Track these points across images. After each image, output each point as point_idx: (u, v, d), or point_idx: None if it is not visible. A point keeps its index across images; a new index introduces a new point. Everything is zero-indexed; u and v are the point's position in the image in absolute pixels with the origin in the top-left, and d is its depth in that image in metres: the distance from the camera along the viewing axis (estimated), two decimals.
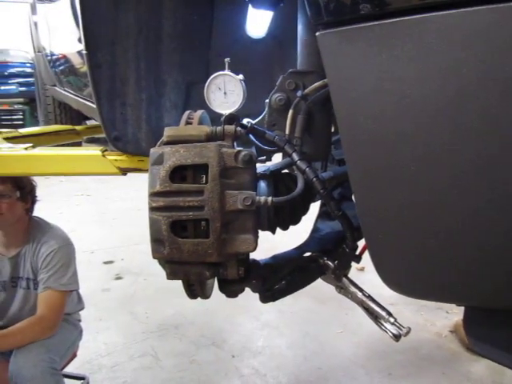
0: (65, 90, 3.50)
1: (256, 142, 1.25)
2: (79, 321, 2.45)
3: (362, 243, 1.28)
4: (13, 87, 10.28)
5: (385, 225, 0.86)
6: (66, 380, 2.14)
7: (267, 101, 1.23)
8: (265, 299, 1.37)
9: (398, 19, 0.72)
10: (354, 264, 1.40)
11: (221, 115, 1.16)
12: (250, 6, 1.40)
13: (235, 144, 1.11)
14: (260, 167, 1.24)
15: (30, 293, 2.25)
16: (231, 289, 1.27)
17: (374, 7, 0.73)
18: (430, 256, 0.83)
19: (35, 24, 4.49)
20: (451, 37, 0.69)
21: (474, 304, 0.98)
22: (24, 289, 2.25)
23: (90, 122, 4.73)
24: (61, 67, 3.34)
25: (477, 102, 0.70)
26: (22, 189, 2.20)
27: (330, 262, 1.38)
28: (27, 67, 10.16)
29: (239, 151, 1.04)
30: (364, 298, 1.34)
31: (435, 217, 0.79)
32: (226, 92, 1.18)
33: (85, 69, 1.84)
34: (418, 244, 0.84)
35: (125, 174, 1.74)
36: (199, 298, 1.27)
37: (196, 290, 1.21)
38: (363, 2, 0.75)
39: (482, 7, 0.66)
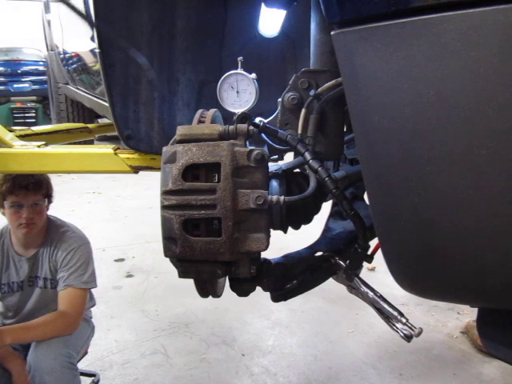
0: (77, 89, 3.52)
1: (268, 141, 1.26)
2: (91, 318, 2.47)
3: (373, 243, 1.28)
4: (26, 85, 10.38)
5: (399, 225, 0.85)
6: None
7: (280, 100, 1.23)
8: (276, 298, 1.37)
9: (414, 18, 0.72)
10: (364, 264, 1.40)
11: (233, 114, 1.16)
12: (263, 4, 1.40)
13: (247, 143, 1.11)
14: (272, 166, 1.24)
15: (46, 292, 2.27)
16: (242, 288, 1.27)
17: (390, 6, 0.73)
18: (444, 257, 0.83)
19: (48, 22, 4.50)
20: (469, 36, 0.68)
21: (488, 305, 0.97)
22: (41, 288, 2.27)
23: (101, 121, 4.75)
24: (73, 65, 3.35)
25: (494, 102, 0.69)
26: (50, 197, 2.27)
27: (341, 262, 1.38)
28: (40, 65, 10.24)
29: (252, 150, 1.04)
30: (375, 298, 1.33)
31: (450, 217, 0.79)
32: (238, 91, 1.18)
33: (97, 67, 1.84)
34: (433, 244, 0.83)
35: (137, 172, 1.74)
36: (210, 297, 1.27)
37: (207, 288, 1.21)
38: (379, 1, 0.74)
39: (501, 6, 0.65)
